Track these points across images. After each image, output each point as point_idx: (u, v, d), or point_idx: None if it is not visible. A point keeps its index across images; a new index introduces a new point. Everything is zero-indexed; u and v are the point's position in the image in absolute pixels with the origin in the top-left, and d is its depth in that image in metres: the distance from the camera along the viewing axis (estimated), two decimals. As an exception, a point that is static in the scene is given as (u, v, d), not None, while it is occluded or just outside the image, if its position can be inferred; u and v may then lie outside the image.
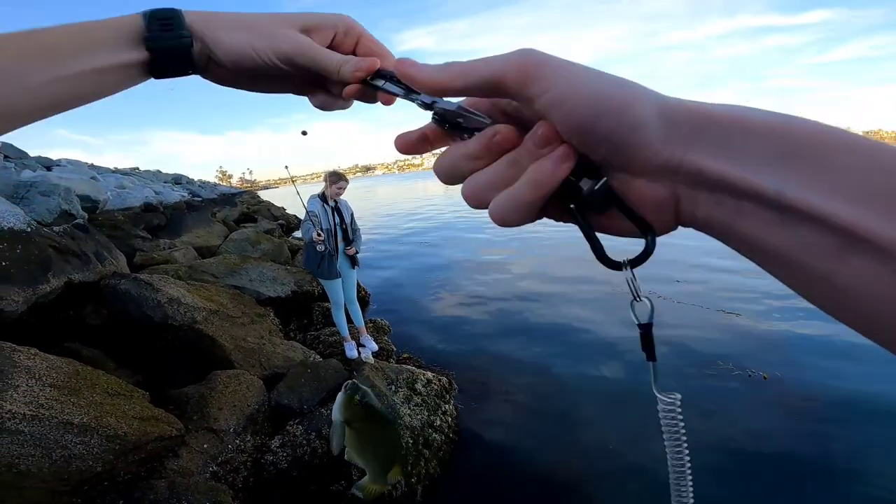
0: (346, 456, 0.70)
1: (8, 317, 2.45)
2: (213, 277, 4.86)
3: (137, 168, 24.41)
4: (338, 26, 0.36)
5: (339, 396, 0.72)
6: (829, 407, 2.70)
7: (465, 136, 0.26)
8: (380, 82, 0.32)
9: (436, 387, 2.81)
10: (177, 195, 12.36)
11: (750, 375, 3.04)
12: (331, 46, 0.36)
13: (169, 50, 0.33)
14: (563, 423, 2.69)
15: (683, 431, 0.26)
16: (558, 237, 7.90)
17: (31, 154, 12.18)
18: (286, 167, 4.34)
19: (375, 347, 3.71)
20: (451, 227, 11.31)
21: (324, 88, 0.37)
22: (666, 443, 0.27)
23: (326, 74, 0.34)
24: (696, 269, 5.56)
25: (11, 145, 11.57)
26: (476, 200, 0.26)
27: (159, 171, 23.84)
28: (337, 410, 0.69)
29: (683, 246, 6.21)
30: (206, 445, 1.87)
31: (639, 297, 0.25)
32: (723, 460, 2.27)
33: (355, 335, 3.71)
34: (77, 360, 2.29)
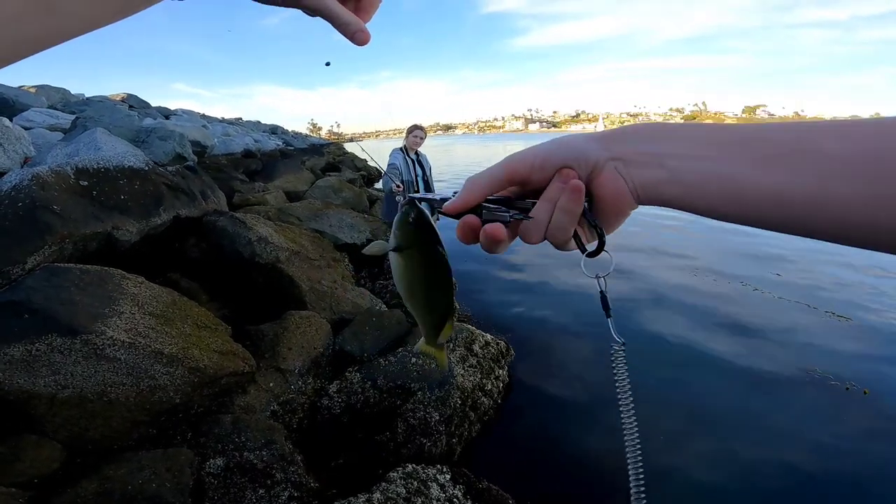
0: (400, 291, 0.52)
1: (122, 245, 2.66)
2: (298, 220, 5.04)
3: (241, 118, 26.21)
4: None
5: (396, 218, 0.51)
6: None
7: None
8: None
9: (493, 350, 2.66)
10: (272, 144, 13.06)
11: (848, 388, 2.53)
12: None
13: None
14: (614, 416, 2.35)
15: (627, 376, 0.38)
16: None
17: (153, 104, 13.42)
18: (337, 123, 4.27)
19: (438, 302, 3.63)
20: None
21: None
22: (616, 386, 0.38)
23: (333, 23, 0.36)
24: (806, 265, 4.77)
25: (136, 96, 12.82)
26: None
27: (259, 122, 25.39)
28: (392, 235, 0.49)
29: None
30: (272, 384, 1.91)
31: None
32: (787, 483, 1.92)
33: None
34: (176, 290, 2.45)
